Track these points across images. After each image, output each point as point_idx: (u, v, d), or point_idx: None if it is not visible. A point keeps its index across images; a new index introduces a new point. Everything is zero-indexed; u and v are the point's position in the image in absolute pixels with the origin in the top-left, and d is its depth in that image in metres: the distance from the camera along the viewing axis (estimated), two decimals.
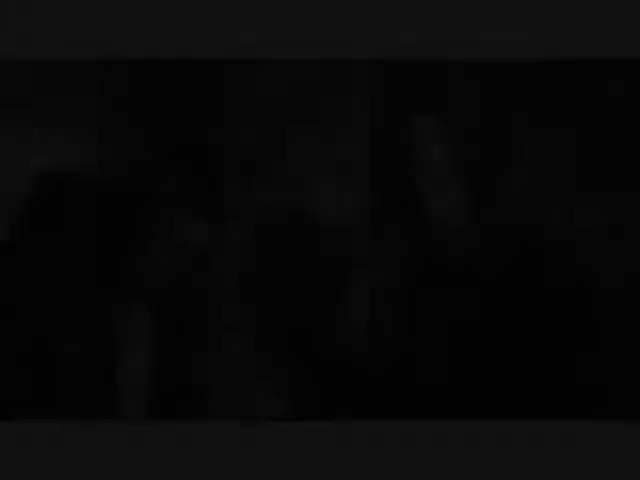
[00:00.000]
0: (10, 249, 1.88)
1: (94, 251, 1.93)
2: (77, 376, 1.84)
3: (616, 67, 1.76)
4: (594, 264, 1.79)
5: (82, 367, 1.85)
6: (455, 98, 1.85)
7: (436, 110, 1.76)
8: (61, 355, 1.83)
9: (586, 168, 1.86)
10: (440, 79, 2.34)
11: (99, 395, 1.87)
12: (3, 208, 2.29)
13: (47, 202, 2.27)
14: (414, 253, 2.00)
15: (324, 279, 2.66)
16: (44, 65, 2.33)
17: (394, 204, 1.91)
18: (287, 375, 2.59)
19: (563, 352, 1.67)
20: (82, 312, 1.87)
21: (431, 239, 1.81)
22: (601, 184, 1.81)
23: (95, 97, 2.43)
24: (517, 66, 2.09)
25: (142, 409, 1.98)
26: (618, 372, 1.72)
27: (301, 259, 2.62)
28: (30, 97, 2.36)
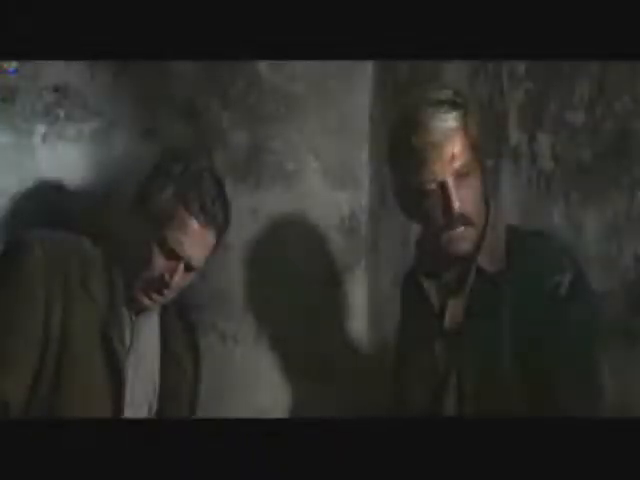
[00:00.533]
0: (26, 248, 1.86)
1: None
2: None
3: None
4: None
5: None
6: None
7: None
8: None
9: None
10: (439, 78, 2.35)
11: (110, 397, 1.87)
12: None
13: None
14: (415, 252, 2.00)
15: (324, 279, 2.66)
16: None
17: (394, 204, 1.90)
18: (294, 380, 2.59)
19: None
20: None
21: (432, 238, 1.80)
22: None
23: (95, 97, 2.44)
24: (515, 65, 2.10)
25: (146, 412, 1.98)
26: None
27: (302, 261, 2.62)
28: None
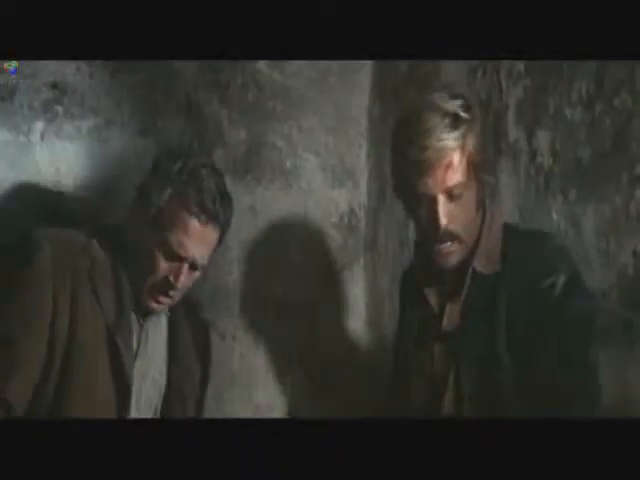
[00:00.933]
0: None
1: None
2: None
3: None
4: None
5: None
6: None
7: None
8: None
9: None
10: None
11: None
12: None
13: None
14: (414, 252, 2.00)
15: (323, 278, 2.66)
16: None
17: (393, 202, 1.90)
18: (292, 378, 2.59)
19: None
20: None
21: (431, 237, 1.79)
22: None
23: (94, 94, 2.43)
24: (514, 62, 2.09)
25: (151, 415, 1.97)
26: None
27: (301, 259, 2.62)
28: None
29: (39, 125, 2.37)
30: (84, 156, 2.42)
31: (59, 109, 2.39)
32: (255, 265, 2.58)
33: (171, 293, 1.87)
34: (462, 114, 1.71)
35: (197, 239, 1.86)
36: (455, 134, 1.69)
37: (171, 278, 1.85)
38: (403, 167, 1.75)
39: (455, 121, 1.70)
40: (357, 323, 2.68)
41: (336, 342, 2.63)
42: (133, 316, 1.91)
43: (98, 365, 1.83)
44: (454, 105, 1.71)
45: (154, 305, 1.90)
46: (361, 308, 2.69)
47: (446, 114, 1.69)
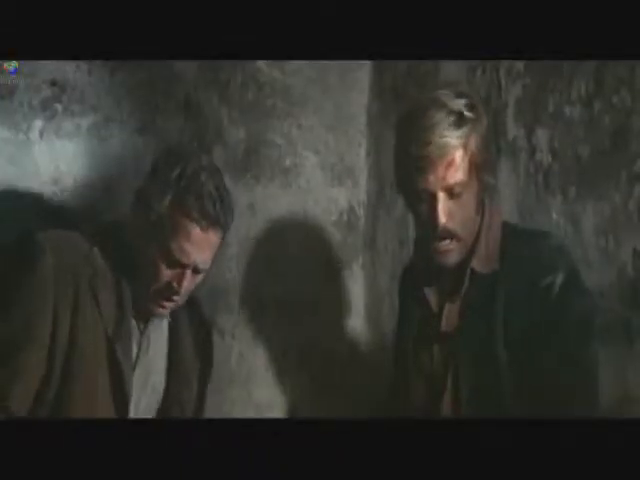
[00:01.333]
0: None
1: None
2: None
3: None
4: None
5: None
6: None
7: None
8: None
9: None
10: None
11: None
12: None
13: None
14: (413, 250, 2.00)
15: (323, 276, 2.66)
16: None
17: (392, 200, 1.90)
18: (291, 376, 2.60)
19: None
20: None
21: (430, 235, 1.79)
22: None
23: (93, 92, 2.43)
24: (513, 63, 2.09)
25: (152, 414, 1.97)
26: None
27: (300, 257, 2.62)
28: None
29: (38, 123, 2.37)
30: (83, 154, 2.42)
31: (58, 107, 2.39)
32: (254, 263, 2.58)
33: (175, 298, 1.87)
34: (466, 113, 1.70)
35: (199, 245, 1.83)
36: (458, 132, 1.68)
37: (174, 284, 1.84)
38: (405, 163, 1.75)
39: (459, 120, 1.69)
40: (356, 321, 2.68)
41: (336, 340, 2.63)
42: (134, 322, 1.90)
43: (98, 372, 1.82)
44: (459, 104, 1.70)
45: (158, 310, 1.89)
46: (360, 306, 2.69)
47: (450, 112, 1.69)
